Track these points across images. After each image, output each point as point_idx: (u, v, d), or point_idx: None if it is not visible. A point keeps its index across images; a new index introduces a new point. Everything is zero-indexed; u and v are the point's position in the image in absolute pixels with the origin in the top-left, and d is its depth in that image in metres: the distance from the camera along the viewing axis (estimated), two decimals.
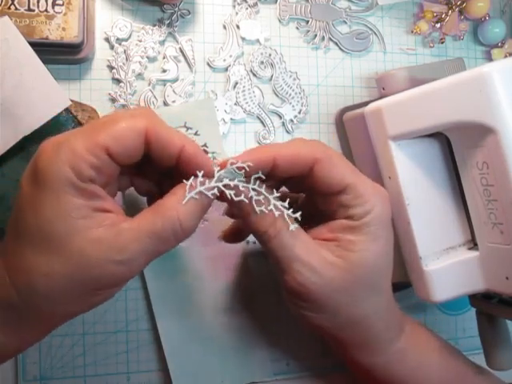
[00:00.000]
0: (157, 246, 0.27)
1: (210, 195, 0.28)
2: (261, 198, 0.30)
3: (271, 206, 0.30)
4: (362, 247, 0.31)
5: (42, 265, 0.26)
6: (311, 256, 0.31)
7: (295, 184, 0.34)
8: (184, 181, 0.28)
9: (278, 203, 0.30)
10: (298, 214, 0.30)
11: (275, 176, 0.31)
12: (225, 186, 0.29)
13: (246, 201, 0.29)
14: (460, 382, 0.36)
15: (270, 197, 0.30)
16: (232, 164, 0.29)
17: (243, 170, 0.29)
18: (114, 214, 0.27)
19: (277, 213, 0.30)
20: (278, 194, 0.30)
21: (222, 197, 0.29)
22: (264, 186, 0.30)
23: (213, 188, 0.29)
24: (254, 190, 0.30)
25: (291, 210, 0.30)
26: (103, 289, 0.28)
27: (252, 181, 0.30)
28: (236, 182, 0.29)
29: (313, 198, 0.34)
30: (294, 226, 0.30)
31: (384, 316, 0.34)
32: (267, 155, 0.30)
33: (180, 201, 0.27)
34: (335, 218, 0.32)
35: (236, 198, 0.29)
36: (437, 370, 0.36)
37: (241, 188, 0.29)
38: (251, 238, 0.39)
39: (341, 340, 0.34)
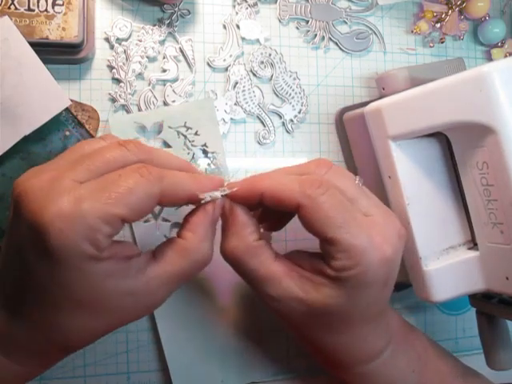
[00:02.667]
0: (183, 282, 0.30)
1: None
2: None
3: None
4: (327, 294, 0.30)
5: (80, 326, 0.28)
6: (289, 290, 0.30)
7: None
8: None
9: None
10: None
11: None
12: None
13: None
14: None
15: None
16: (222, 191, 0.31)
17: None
18: (135, 259, 0.28)
19: None
20: None
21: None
22: None
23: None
24: None
25: None
26: (133, 321, 0.30)
27: None
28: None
29: None
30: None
31: (362, 340, 0.33)
32: (255, 190, 0.30)
33: (202, 240, 0.29)
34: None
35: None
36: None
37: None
38: None
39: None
